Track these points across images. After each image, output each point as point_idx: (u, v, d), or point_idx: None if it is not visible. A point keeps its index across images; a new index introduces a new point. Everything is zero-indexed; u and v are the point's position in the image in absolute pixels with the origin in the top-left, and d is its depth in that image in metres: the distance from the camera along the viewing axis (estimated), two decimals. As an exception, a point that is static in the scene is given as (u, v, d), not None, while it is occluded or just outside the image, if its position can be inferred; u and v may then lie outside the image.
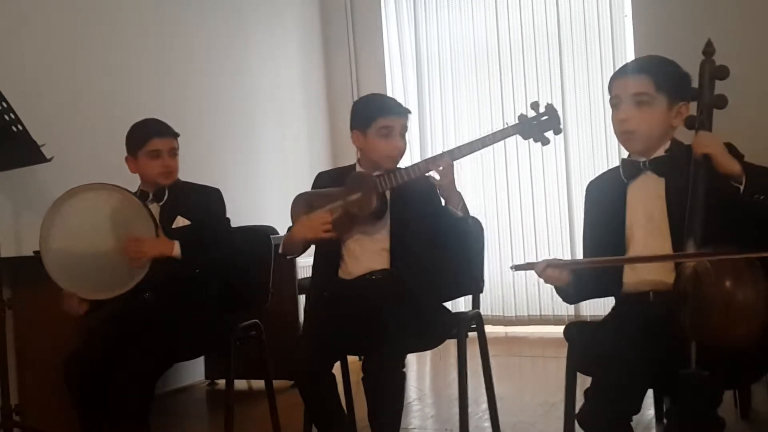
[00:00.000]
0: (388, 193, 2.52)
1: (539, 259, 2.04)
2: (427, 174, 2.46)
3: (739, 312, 1.63)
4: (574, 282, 2.06)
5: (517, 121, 2.43)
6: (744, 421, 2.85)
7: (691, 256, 1.76)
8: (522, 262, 2.06)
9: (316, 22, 5.55)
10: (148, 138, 2.76)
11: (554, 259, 2.03)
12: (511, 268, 2.11)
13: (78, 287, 2.56)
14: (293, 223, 2.62)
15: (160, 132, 2.78)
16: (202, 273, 2.72)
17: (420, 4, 5.41)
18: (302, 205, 2.62)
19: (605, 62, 4.87)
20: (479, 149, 2.44)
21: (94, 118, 3.62)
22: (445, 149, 2.53)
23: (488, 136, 2.41)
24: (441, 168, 2.38)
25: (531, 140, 2.44)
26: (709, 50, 1.91)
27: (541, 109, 2.43)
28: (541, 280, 2.06)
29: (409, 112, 2.59)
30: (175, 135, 2.82)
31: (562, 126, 2.45)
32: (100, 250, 2.57)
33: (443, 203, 2.45)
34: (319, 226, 2.48)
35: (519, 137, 2.46)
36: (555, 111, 2.43)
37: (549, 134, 2.44)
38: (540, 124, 2.42)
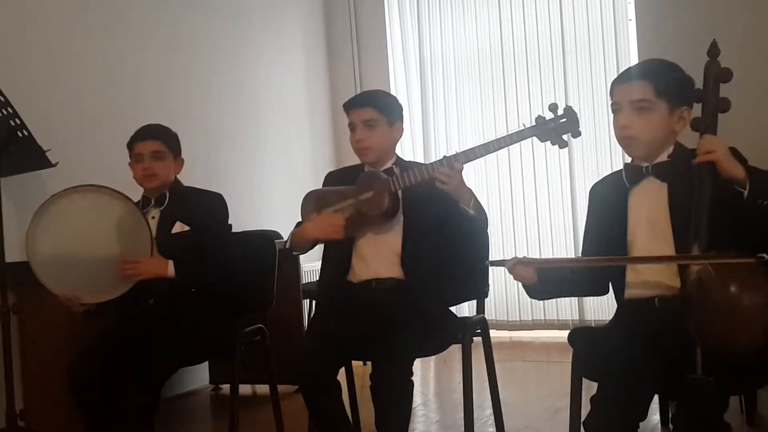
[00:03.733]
0: (400, 193, 2.47)
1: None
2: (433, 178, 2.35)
3: (744, 317, 1.63)
4: (541, 280, 2.09)
5: (534, 123, 2.31)
6: (750, 427, 2.84)
7: (675, 259, 1.75)
8: (496, 259, 2.13)
9: (320, 26, 5.56)
10: (132, 143, 2.81)
11: (524, 257, 2.08)
12: (487, 263, 2.15)
13: (66, 289, 2.58)
14: (303, 220, 2.59)
15: (141, 136, 2.80)
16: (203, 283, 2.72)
17: (423, 8, 5.41)
18: (313, 203, 2.59)
19: (609, 66, 4.87)
20: (495, 151, 2.33)
21: (98, 123, 3.63)
22: (449, 152, 2.45)
23: (505, 137, 2.31)
24: (447, 172, 2.27)
25: (548, 143, 2.32)
26: (713, 51, 1.88)
27: (560, 111, 2.30)
28: None
29: (365, 104, 2.51)
30: (160, 137, 2.79)
31: (581, 129, 2.31)
32: (90, 254, 2.59)
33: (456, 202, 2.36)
34: (331, 228, 2.47)
35: (537, 139, 2.33)
36: (574, 113, 2.30)
37: (567, 137, 2.31)
38: (558, 127, 2.30)
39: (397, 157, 2.62)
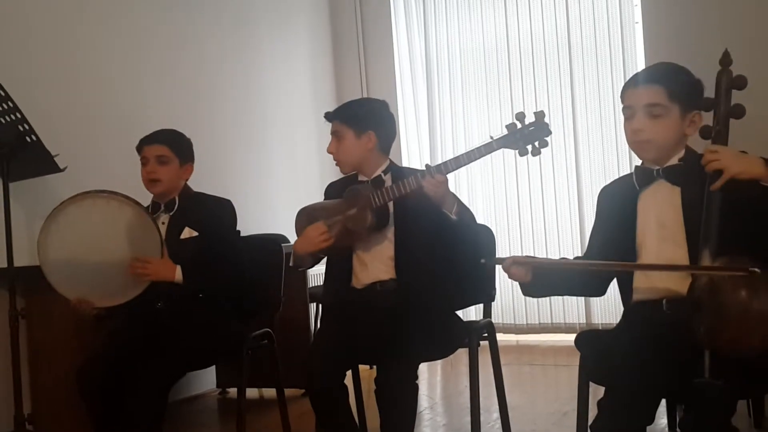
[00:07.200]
0: (391, 205, 2.50)
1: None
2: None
3: (754, 321, 1.63)
4: (536, 280, 2.07)
5: (505, 132, 2.29)
6: (757, 430, 2.83)
7: (687, 269, 1.75)
8: (493, 258, 2.13)
9: (326, 28, 5.57)
10: (140, 146, 2.84)
11: (523, 256, 2.08)
12: (482, 261, 2.16)
13: (78, 293, 2.60)
14: (297, 237, 2.64)
15: (148, 139, 2.83)
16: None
17: (430, 10, 5.42)
18: (304, 220, 2.64)
19: (615, 69, 4.87)
20: (466, 164, 2.34)
21: (105, 127, 3.64)
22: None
23: (474, 150, 2.30)
24: (433, 183, 2.29)
25: (518, 153, 2.29)
26: (726, 60, 1.90)
27: (528, 120, 2.26)
28: None
29: (333, 118, 2.58)
30: (166, 142, 2.80)
31: (549, 138, 2.27)
32: (101, 258, 2.60)
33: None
34: (317, 238, 2.50)
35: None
36: (543, 120, 2.26)
37: (540, 145, 2.28)
38: (528, 135, 2.27)
39: (390, 162, 2.62)
